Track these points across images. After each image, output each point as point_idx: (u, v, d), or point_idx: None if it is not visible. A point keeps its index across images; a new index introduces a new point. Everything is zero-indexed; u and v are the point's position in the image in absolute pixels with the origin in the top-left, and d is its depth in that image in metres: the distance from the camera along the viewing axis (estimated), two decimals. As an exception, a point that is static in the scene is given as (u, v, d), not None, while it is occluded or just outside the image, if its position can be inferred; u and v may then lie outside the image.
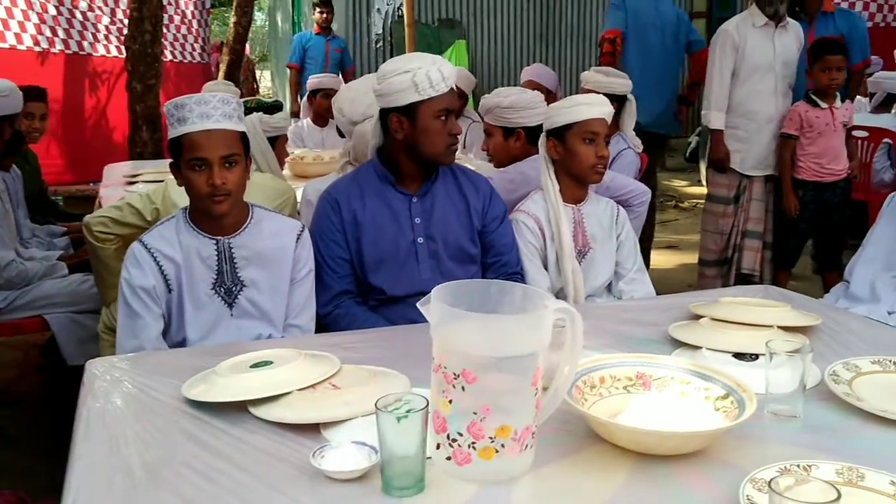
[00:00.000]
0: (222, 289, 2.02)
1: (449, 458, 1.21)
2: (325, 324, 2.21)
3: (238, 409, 1.45)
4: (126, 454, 1.32)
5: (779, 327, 1.77)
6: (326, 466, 1.24)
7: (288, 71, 7.53)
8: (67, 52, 6.31)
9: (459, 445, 1.20)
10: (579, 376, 1.42)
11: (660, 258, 5.58)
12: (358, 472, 1.23)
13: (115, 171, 4.11)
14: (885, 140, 5.13)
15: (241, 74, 7.91)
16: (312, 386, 1.49)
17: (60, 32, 6.24)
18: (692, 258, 4.95)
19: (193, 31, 7.27)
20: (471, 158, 3.60)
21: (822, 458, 1.25)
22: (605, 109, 2.39)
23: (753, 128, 4.08)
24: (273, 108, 3.25)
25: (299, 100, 7.08)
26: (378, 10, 9.50)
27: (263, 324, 2.06)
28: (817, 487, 1.01)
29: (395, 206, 2.25)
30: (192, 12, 7.24)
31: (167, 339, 2.02)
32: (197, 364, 1.66)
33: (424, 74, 2.10)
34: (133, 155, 5.36)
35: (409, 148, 2.19)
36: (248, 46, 8.83)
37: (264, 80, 19.54)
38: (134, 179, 3.75)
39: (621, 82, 3.68)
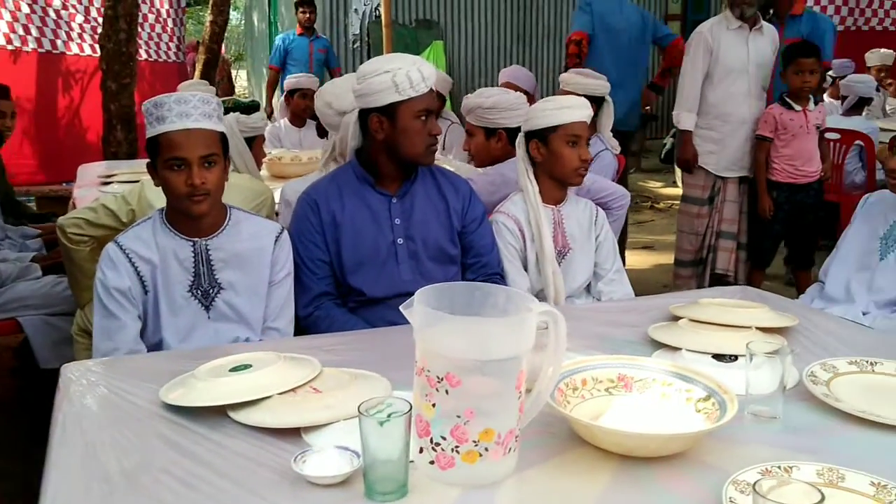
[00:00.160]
0: (199, 291, 2.00)
1: (432, 462, 1.21)
2: (305, 326, 2.20)
3: (217, 414, 1.43)
4: (103, 460, 1.30)
5: (757, 328, 1.79)
6: (308, 471, 1.23)
7: (265, 70, 7.47)
8: (40, 50, 6.22)
9: (443, 449, 1.19)
10: (561, 378, 1.42)
11: (636, 259, 5.61)
12: (340, 476, 1.22)
13: (90, 172, 4.06)
14: (857, 142, 5.19)
15: (216, 74, 7.84)
16: (293, 389, 1.48)
17: (33, 31, 6.15)
18: (668, 259, 4.98)
19: (168, 29, 7.19)
20: (450, 160, 3.59)
21: (803, 458, 1.26)
22: (586, 112, 2.40)
23: (727, 129, 4.12)
24: (250, 108, 3.22)
25: (274, 101, 7.03)
26: (355, 10, 9.47)
27: (241, 327, 2.04)
28: (800, 489, 1.02)
29: (375, 206, 2.24)
30: (167, 11, 7.16)
31: (143, 340, 1.99)
32: (175, 368, 1.63)
33: (405, 74, 2.09)
34: (107, 155, 5.29)
35: (389, 148, 2.18)
36: (223, 46, 8.74)
37: (240, 79, 19.40)
38: (109, 180, 3.70)
39: (600, 84, 3.70)
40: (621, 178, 3.85)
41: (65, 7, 6.34)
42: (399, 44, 8.32)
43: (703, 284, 4.32)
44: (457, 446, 1.19)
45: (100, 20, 5.78)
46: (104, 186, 3.59)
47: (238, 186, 2.62)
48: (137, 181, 2.98)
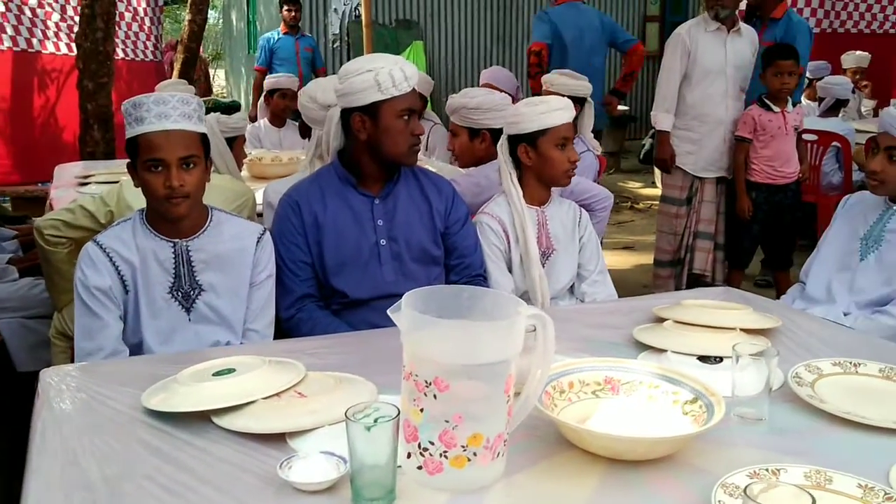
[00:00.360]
0: (179, 293, 1.97)
1: (420, 468, 1.20)
2: (287, 328, 2.18)
3: (201, 419, 1.41)
4: (85, 467, 1.28)
5: (741, 330, 1.79)
6: (294, 478, 1.21)
7: (243, 70, 7.40)
8: (16, 49, 6.13)
9: (431, 454, 1.18)
10: (548, 382, 1.41)
11: (616, 259, 5.63)
12: (327, 483, 1.20)
13: (67, 172, 4.00)
14: (834, 143, 5.25)
15: (194, 73, 7.77)
16: (277, 394, 1.46)
17: (9, 29, 6.06)
18: (647, 259, 5.00)
19: (146, 28, 7.12)
20: (433, 161, 3.58)
21: (790, 461, 1.26)
22: (571, 112, 2.40)
23: (705, 130, 4.15)
24: (230, 108, 3.20)
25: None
26: (335, 10, 9.43)
27: (222, 329, 2.02)
28: (790, 492, 1.01)
29: (357, 207, 2.22)
30: (145, 9, 7.08)
31: (123, 340, 1.96)
32: (156, 372, 1.61)
33: (387, 74, 2.08)
34: (84, 155, 5.23)
35: (372, 148, 2.17)
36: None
37: (218, 78, 19.28)
38: (86, 181, 3.65)
39: (584, 85, 3.71)
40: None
41: (41, 5, 6.26)
42: (379, 44, 8.30)
43: (681, 284, 4.35)
44: (445, 451, 1.17)
45: (76, 19, 5.71)
46: (81, 187, 3.55)
47: (219, 187, 2.60)
48: (115, 182, 2.95)
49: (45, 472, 1.27)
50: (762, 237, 4.26)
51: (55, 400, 1.53)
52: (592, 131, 3.76)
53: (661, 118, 4.17)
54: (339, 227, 2.20)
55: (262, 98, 5.25)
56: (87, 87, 5.23)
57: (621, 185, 8.59)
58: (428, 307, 1.21)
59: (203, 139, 1.94)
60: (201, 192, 1.95)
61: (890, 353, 1.77)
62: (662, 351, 1.74)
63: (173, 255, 1.96)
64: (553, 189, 2.48)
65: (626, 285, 4.75)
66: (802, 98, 5.39)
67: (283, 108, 5.08)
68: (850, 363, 1.67)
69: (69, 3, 6.38)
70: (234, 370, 1.53)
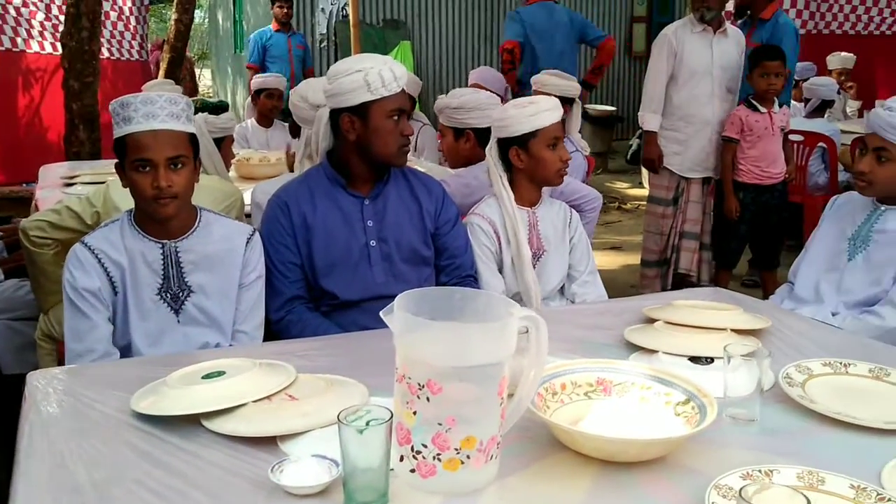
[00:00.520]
0: (168, 294, 1.96)
1: (413, 471, 1.19)
2: (277, 330, 2.16)
3: (190, 423, 1.40)
4: (73, 471, 1.26)
5: (731, 330, 1.80)
6: (286, 481, 1.20)
7: (229, 69, 7.35)
8: (0, 48, 6.08)
9: (424, 457, 1.17)
10: (541, 383, 1.41)
11: (603, 259, 5.64)
12: (319, 486, 1.19)
13: (52, 173, 3.97)
14: (820, 144, 5.28)
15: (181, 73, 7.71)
16: (268, 397, 1.44)
17: (-8, 28, 6.02)
18: (635, 259, 5.01)
19: (131, 27, 7.08)
20: (421, 161, 3.58)
21: (782, 461, 1.26)
22: (560, 111, 2.39)
23: (691, 131, 4.17)
24: (218, 108, 3.18)
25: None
26: (322, 9, 9.40)
27: (211, 331, 2.00)
28: (784, 494, 1.01)
29: (347, 208, 2.21)
30: (130, 8, 7.04)
31: (112, 342, 1.95)
32: (145, 375, 1.59)
33: (377, 74, 2.07)
34: (69, 155, 5.19)
35: (362, 149, 2.16)
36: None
37: (204, 78, 19.19)
38: (72, 181, 3.62)
39: (573, 85, 3.72)
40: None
41: (25, 4, 6.21)
42: (366, 44, 8.28)
43: (667, 284, 4.37)
44: (438, 454, 1.17)
45: (61, 18, 5.67)
46: (67, 188, 3.52)
47: (207, 188, 2.58)
48: (101, 182, 2.92)
49: (33, 475, 1.26)
50: (750, 237, 4.28)
51: (42, 403, 1.51)
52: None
53: (649, 118, 4.19)
54: (328, 228, 2.19)
55: (248, 97, 5.23)
56: (73, 86, 5.19)
57: (609, 185, 8.61)
58: (420, 309, 1.21)
59: (192, 139, 1.93)
60: (190, 192, 1.93)
61: (879, 353, 1.78)
62: (654, 352, 1.74)
63: (162, 257, 1.95)
64: (543, 190, 2.47)
65: (615, 285, 4.76)
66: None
67: (270, 108, 5.06)
68: (840, 363, 1.67)
69: (54, 3, 6.34)
70: (223, 373, 1.51)
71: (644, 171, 6.22)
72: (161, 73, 7.29)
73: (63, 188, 3.52)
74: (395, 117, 2.12)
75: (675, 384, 1.43)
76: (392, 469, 1.19)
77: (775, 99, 4.09)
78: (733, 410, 1.45)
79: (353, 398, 1.45)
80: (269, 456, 1.29)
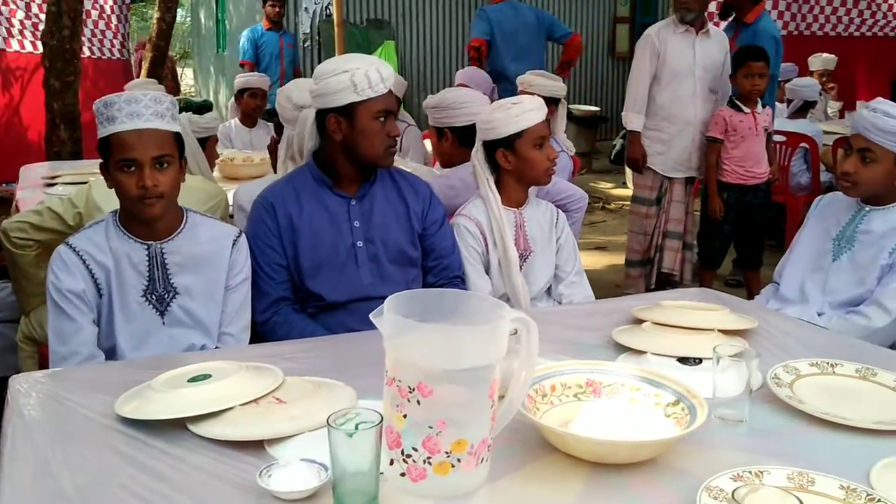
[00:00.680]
0: (154, 296, 1.94)
1: (403, 475, 1.18)
2: (262, 332, 2.15)
3: (176, 427, 1.38)
4: (57, 477, 1.24)
5: (719, 331, 1.80)
6: (274, 486, 1.19)
7: (212, 69, 7.30)
8: (-21, 48, 6.02)
9: (414, 461, 1.16)
10: (531, 385, 1.40)
11: (588, 259, 5.64)
12: (308, 491, 1.18)
13: (33, 173, 3.92)
14: (802, 144, 5.32)
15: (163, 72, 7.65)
16: (255, 400, 1.43)
17: (-29, 27, 5.95)
18: (620, 259, 5.03)
19: (112, 26, 7.00)
20: (407, 162, 3.56)
21: (771, 462, 1.27)
22: (545, 110, 2.39)
23: (674, 131, 4.19)
24: (202, 107, 3.15)
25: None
26: (305, 8, 9.36)
27: (197, 333, 1.98)
28: (776, 495, 1.01)
29: (333, 209, 2.20)
30: (112, 7, 6.96)
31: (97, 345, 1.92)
32: (130, 378, 1.57)
33: (363, 74, 2.06)
34: (50, 155, 5.14)
35: (348, 150, 2.14)
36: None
37: (186, 77, 19.07)
38: (53, 181, 3.58)
39: (559, 85, 3.72)
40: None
41: (5, 3, 6.14)
42: (350, 43, 8.24)
43: (651, 283, 4.40)
44: (429, 458, 1.16)
45: (42, 16, 5.61)
46: (48, 188, 3.48)
47: (191, 188, 2.55)
48: (84, 183, 2.89)
49: (16, 481, 1.24)
50: (734, 237, 4.31)
51: (25, 407, 1.48)
52: None
53: (632, 118, 4.22)
54: (314, 229, 2.17)
55: (231, 98, 5.19)
56: (54, 85, 5.14)
57: (593, 185, 8.63)
58: (410, 311, 1.20)
59: (177, 139, 1.91)
60: (176, 192, 1.91)
61: (865, 353, 1.79)
62: (642, 352, 1.74)
63: (147, 258, 1.92)
64: (530, 190, 2.47)
65: (600, 285, 4.77)
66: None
67: (253, 108, 5.03)
68: (828, 363, 1.68)
69: (34, 1, 6.26)
70: (209, 376, 1.50)
71: (628, 171, 6.24)
72: (143, 72, 7.23)
73: (44, 188, 3.48)
74: (382, 118, 2.11)
75: (665, 385, 1.43)
76: (382, 473, 1.17)
77: (758, 99, 4.11)
78: (722, 411, 1.45)
79: (342, 401, 1.44)
80: (257, 460, 1.28)
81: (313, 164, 2.23)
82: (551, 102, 3.51)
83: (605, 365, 1.52)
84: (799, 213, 5.08)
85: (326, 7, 9.10)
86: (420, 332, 1.16)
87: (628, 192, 5.95)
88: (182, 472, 1.26)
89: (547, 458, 1.31)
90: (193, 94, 15.09)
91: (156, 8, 7.53)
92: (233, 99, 5.30)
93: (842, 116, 6.98)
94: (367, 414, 1.16)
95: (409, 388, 1.15)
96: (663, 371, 1.52)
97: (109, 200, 2.22)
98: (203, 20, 14.15)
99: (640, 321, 1.91)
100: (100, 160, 1.92)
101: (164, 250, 1.93)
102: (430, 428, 1.15)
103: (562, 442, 1.30)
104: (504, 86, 4.91)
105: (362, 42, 9.24)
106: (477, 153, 2.41)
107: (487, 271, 2.41)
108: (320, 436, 1.22)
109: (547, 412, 1.41)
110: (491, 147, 2.37)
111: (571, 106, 8.27)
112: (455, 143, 2.88)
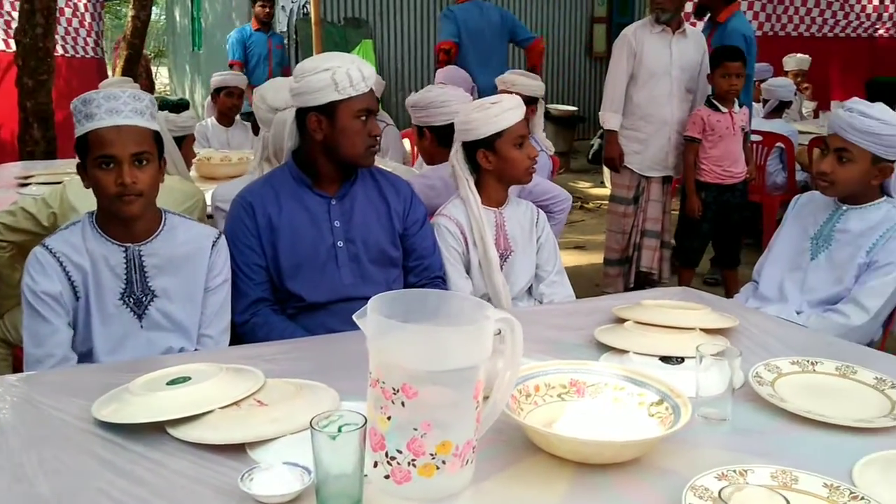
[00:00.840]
0: (131, 299, 1.91)
1: (387, 477, 1.17)
2: (241, 333, 2.12)
3: (155, 431, 1.36)
4: (33, 481, 1.22)
5: (700, 330, 1.80)
6: (256, 490, 1.17)
7: (188, 67, 7.23)
8: (-51, 45, 5.92)
9: (399, 463, 1.15)
10: (514, 385, 1.40)
11: (567, 259, 5.63)
12: (290, 495, 1.16)
13: (6, 173, 3.86)
14: (778, 144, 5.36)
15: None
16: (236, 403, 1.41)
17: (-57, 25, 5.85)
18: (599, 258, 5.04)
19: (86, 24, 6.91)
20: (386, 161, 3.55)
21: (755, 461, 1.27)
22: (523, 109, 2.38)
23: (651, 130, 4.21)
24: (179, 106, 3.11)
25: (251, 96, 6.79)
26: (283, 7, 9.30)
27: (175, 336, 1.96)
28: (762, 494, 1.01)
29: (313, 208, 2.18)
30: (85, 5, 6.87)
31: (73, 348, 1.89)
32: (107, 381, 1.55)
33: (345, 73, 2.04)
34: (24, 154, 5.07)
35: (328, 149, 2.13)
36: (143, 42, 8.43)
37: (161, 76, 18.89)
38: (26, 181, 3.52)
39: (539, 84, 3.72)
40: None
41: (-24, 0, 6.04)
42: (328, 42, 8.20)
43: (629, 282, 4.42)
44: (413, 460, 1.15)
45: (14, 14, 5.53)
46: (22, 188, 3.42)
47: (168, 188, 2.51)
48: (58, 183, 2.85)
49: (-10, 488, 1.21)
50: (712, 236, 4.34)
51: (0, 412, 1.45)
52: None
53: (609, 118, 4.23)
54: (294, 229, 2.15)
55: (208, 97, 5.14)
56: (27, 84, 5.07)
57: (571, 184, 8.65)
58: (394, 312, 1.18)
59: (156, 137, 1.88)
60: (155, 192, 1.88)
61: (843, 351, 1.80)
62: (624, 352, 1.74)
63: (125, 261, 1.89)
64: (510, 190, 2.46)
65: (580, 284, 4.76)
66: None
67: (229, 107, 4.99)
68: (808, 362, 1.69)
69: (7, -2, 6.17)
70: (189, 378, 1.47)
71: (605, 171, 6.26)
72: (118, 70, 7.14)
73: (17, 189, 3.43)
74: (363, 117, 2.10)
75: (649, 384, 1.43)
76: (366, 475, 1.16)
77: (735, 99, 4.14)
78: (705, 410, 1.45)
79: (324, 403, 1.42)
80: (238, 464, 1.26)
81: (293, 164, 2.21)
82: (530, 102, 3.51)
83: (588, 365, 1.52)
84: (775, 212, 5.13)
85: (304, 6, 9.05)
86: (404, 333, 1.14)
87: (606, 191, 5.98)
88: (161, 476, 1.24)
89: (531, 459, 1.30)
90: (168, 93, 14.96)
91: (130, 6, 7.45)
92: (209, 98, 5.25)
93: (816, 116, 7.05)
94: (350, 416, 1.15)
95: (394, 389, 1.14)
96: (646, 370, 1.52)
97: (84, 200, 2.18)
98: (178, 18, 14.03)
99: (621, 320, 1.91)
100: (75, 160, 1.89)
101: (141, 253, 1.90)
102: (415, 430, 1.14)
103: (546, 442, 1.30)
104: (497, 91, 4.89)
105: (340, 41, 9.19)
106: (456, 154, 2.40)
107: (468, 271, 2.40)
108: (303, 438, 1.21)
109: (531, 412, 1.40)
110: (471, 148, 2.35)
111: (549, 106, 8.29)
112: (434, 141, 2.86)
